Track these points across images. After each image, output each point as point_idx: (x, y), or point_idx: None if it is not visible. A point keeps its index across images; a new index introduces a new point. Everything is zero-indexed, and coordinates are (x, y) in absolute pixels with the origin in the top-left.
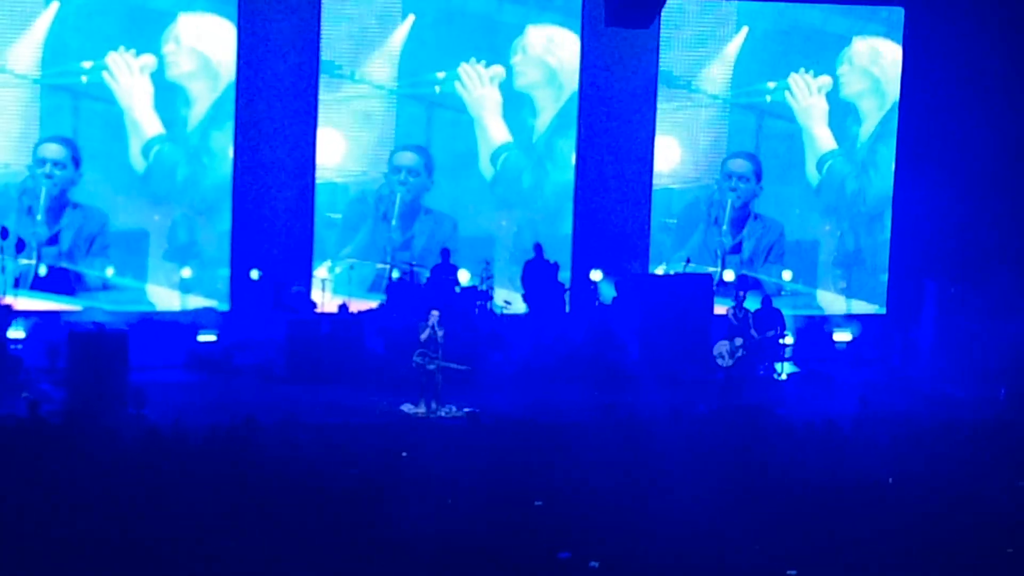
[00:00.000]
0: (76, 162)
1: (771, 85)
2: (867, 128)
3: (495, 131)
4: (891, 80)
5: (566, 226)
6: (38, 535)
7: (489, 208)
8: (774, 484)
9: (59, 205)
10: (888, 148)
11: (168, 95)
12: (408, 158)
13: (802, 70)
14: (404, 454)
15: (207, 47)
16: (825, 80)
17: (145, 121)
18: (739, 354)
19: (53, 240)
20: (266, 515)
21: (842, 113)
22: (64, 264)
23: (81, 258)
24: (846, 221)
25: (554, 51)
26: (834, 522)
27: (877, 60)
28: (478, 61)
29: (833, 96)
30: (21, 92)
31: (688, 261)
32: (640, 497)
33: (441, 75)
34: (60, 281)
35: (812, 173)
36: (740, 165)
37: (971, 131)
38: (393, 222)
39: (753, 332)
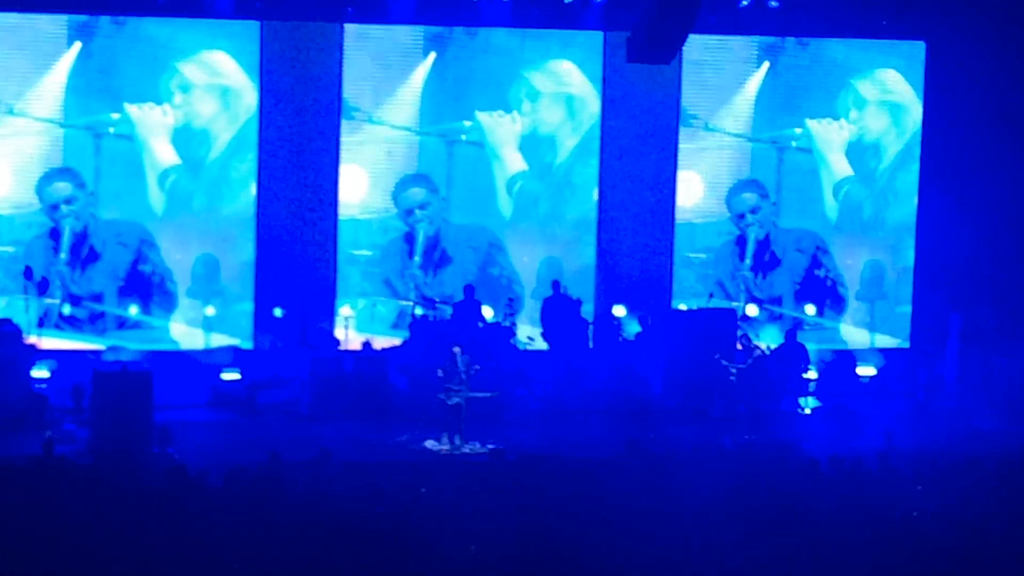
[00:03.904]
0: (82, 187)
1: (797, 131)
2: (886, 159)
3: (512, 163)
4: (910, 112)
5: (588, 259)
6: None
7: (510, 244)
8: (799, 519)
9: (83, 236)
10: (907, 174)
11: (188, 134)
12: (414, 195)
13: (827, 120)
14: (423, 490)
15: (225, 80)
16: (847, 126)
17: (163, 156)
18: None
19: (80, 278)
20: (291, 554)
21: (861, 149)
22: (89, 303)
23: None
24: (868, 254)
25: (569, 81)
26: (860, 558)
27: (896, 93)
28: (499, 103)
29: (854, 134)
30: (42, 135)
31: (711, 296)
32: (665, 533)
33: (467, 123)
34: (85, 320)
35: (830, 201)
36: (747, 200)
37: (993, 163)
38: (416, 259)
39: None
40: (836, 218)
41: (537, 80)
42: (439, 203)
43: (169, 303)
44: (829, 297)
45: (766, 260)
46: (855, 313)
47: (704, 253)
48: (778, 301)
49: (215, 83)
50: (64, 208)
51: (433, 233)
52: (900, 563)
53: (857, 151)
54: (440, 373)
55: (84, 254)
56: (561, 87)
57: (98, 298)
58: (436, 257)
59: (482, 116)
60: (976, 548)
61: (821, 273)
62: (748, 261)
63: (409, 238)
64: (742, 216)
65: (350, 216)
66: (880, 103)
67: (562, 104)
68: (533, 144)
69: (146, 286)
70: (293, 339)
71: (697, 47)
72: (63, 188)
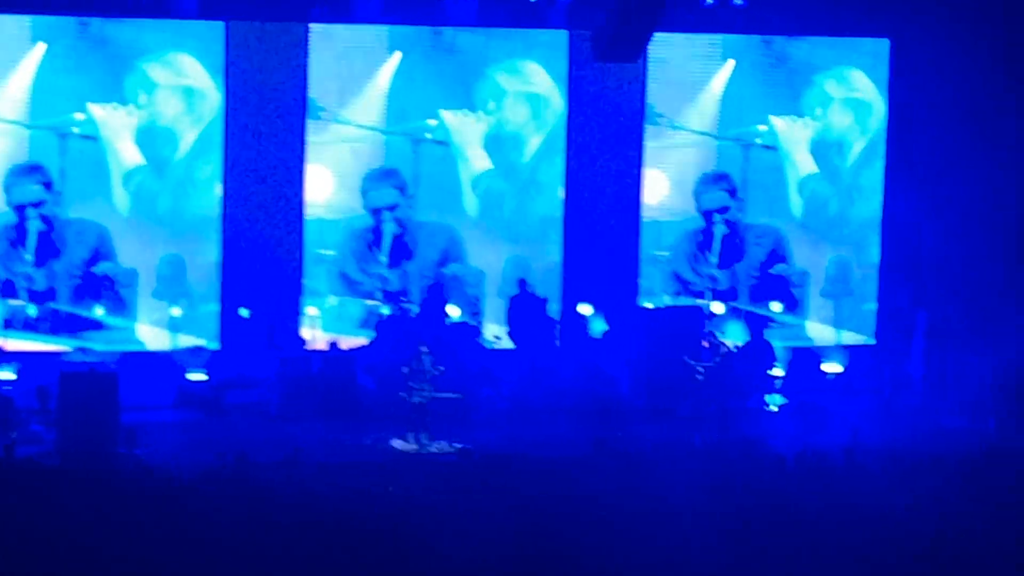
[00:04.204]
0: (47, 186)
1: (762, 128)
2: (851, 157)
3: (477, 161)
4: (874, 109)
5: (554, 258)
6: None
7: (476, 243)
8: (767, 516)
9: (47, 236)
10: (872, 172)
11: (153, 134)
12: (384, 196)
13: (791, 118)
14: (391, 489)
15: (189, 81)
16: (811, 123)
17: (128, 156)
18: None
19: (44, 278)
20: (259, 555)
21: (826, 146)
22: (54, 304)
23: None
24: (833, 251)
25: (534, 80)
26: (826, 554)
27: (860, 91)
28: (464, 102)
29: (819, 131)
30: (6, 136)
31: (678, 293)
32: (633, 532)
33: (432, 122)
34: (50, 321)
35: (795, 199)
36: (715, 199)
37: (959, 159)
38: (382, 258)
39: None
40: (801, 215)
41: (502, 79)
42: (407, 202)
43: (132, 305)
44: (786, 296)
45: (732, 257)
46: (820, 310)
47: (669, 252)
48: (742, 297)
49: (180, 83)
50: (29, 211)
51: (399, 232)
52: (866, 559)
53: (822, 148)
54: (405, 370)
55: (48, 255)
56: (526, 86)
57: (63, 299)
58: (401, 254)
59: (447, 115)
60: (941, 545)
61: (778, 270)
62: (714, 259)
63: (375, 237)
64: (709, 214)
65: (316, 216)
66: (845, 100)
67: (527, 103)
68: (498, 143)
69: (109, 287)
70: (260, 339)
71: (662, 45)
72: (32, 189)
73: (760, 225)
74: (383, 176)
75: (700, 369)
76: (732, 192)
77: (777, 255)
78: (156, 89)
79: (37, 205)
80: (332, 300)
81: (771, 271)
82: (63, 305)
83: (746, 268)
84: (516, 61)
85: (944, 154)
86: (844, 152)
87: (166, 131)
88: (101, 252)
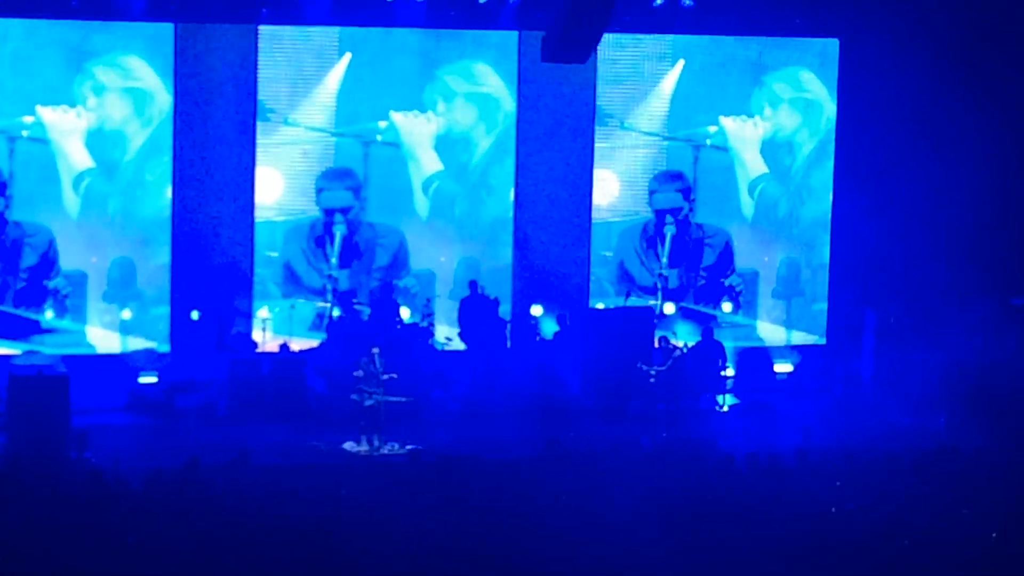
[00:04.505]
0: (2, 187)
1: (712, 129)
2: (801, 157)
3: (428, 163)
4: (824, 110)
5: (505, 259)
6: None
7: (427, 244)
8: (717, 517)
9: None
10: (822, 172)
11: (102, 137)
12: (338, 198)
13: (741, 118)
14: (343, 491)
15: (138, 83)
16: (760, 123)
17: (77, 159)
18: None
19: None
20: (210, 558)
21: (776, 146)
22: (2, 307)
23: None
24: (783, 251)
25: (484, 81)
26: (778, 554)
27: (810, 91)
28: (414, 103)
29: (768, 131)
30: None
31: (629, 294)
32: (584, 532)
33: (383, 124)
34: None
35: (745, 199)
36: (669, 199)
37: (908, 159)
38: (333, 260)
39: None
40: (752, 216)
41: (452, 80)
42: (359, 205)
43: (81, 307)
44: (734, 299)
45: (682, 257)
46: (771, 311)
47: (611, 252)
48: (692, 297)
49: (129, 86)
50: None
51: (348, 234)
52: (818, 559)
53: (771, 149)
54: (359, 373)
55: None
56: (476, 87)
57: (11, 301)
58: (351, 256)
59: (397, 116)
60: (894, 543)
61: (730, 282)
62: (664, 260)
63: (326, 238)
64: (662, 214)
65: (266, 218)
66: (793, 101)
67: (477, 104)
68: (448, 144)
69: (56, 291)
70: (210, 342)
71: (612, 46)
72: None
73: (710, 225)
74: (338, 176)
75: (652, 372)
76: (686, 192)
77: (726, 258)
78: (105, 91)
79: None
80: (285, 304)
81: (723, 280)
82: (12, 308)
83: (696, 269)
84: (466, 62)
85: (893, 154)
86: (794, 152)
87: (115, 133)
88: (52, 257)
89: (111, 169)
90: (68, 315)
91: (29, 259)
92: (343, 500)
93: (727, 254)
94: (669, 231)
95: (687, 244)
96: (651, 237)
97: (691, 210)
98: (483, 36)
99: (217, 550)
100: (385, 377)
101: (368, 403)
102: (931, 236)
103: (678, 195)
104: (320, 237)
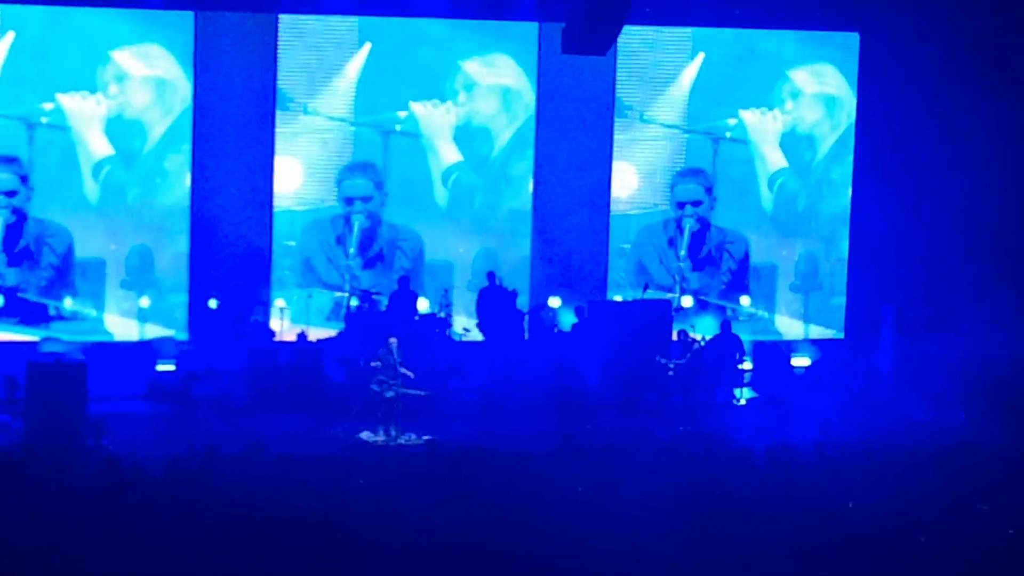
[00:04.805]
0: (24, 180)
1: (731, 122)
2: (821, 151)
3: (447, 153)
4: (844, 104)
5: (523, 251)
6: None
7: (446, 235)
8: (735, 511)
9: (16, 229)
10: (842, 167)
11: (122, 125)
12: (359, 187)
13: (761, 110)
14: (360, 482)
15: (159, 72)
16: (780, 116)
17: (96, 146)
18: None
19: (9, 262)
20: (226, 546)
21: (796, 140)
22: (21, 294)
23: (42, 274)
24: (802, 245)
25: (504, 72)
26: (796, 548)
27: (831, 86)
28: (434, 94)
29: (788, 125)
30: None
31: (647, 287)
32: (600, 525)
33: (402, 114)
34: (17, 311)
35: (765, 193)
36: (690, 191)
37: (927, 154)
38: (352, 250)
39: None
40: (771, 209)
41: (473, 70)
42: (380, 198)
43: (100, 295)
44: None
45: (701, 255)
46: (790, 304)
47: (629, 245)
48: (711, 293)
49: (150, 75)
50: (3, 200)
51: (369, 226)
52: (836, 553)
53: (791, 143)
54: (376, 364)
55: (18, 249)
56: (497, 78)
57: (30, 289)
58: (371, 254)
59: (416, 106)
60: (913, 537)
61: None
62: (683, 252)
63: (345, 228)
64: (682, 206)
65: (285, 207)
66: (815, 95)
67: (497, 95)
68: (468, 135)
69: (80, 278)
70: (228, 330)
71: (632, 38)
72: (5, 179)
73: (731, 230)
74: (360, 168)
75: (671, 366)
76: (708, 189)
77: (745, 265)
78: (127, 79)
79: (10, 196)
80: (298, 294)
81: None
82: (32, 296)
83: (715, 271)
84: (487, 53)
85: (912, 148)
86: (814, 146)
87: (135, 122)
88: (69, 258)
89: (131, 157)
90: (94, 297)
91: (49, 258)
92: (359, 490)
93: (744, 262)
94: (688, 223)
95: (706, 241)
96: (671, 233)
97: (712, 208)
98: (503, 27)
99: (233, 539)
100: (403, 371)
101: (388, 395)
102: (950, 230)
103: (699, 187)
104: (339, 228)
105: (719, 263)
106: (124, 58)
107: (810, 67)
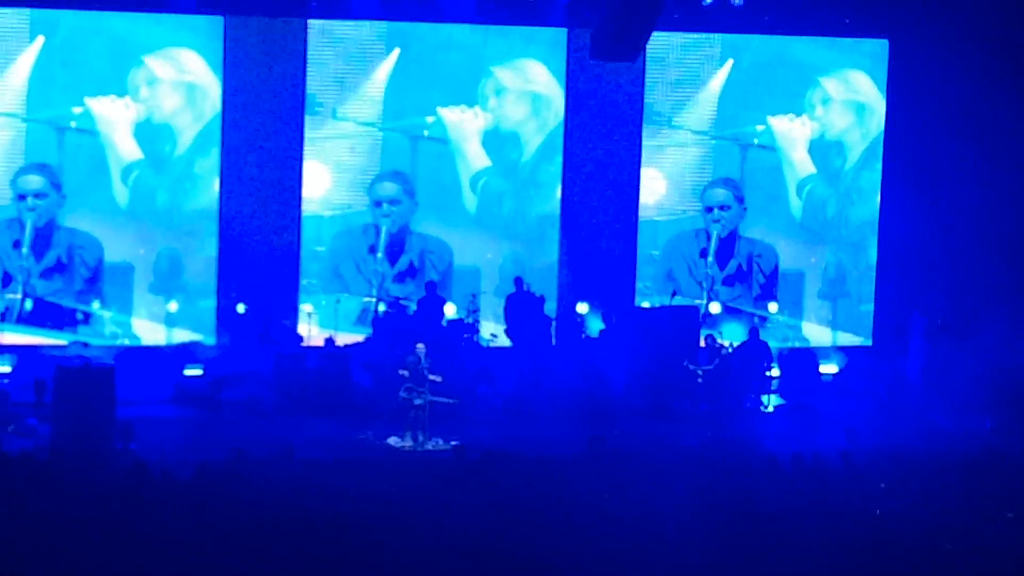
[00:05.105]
0: (57, 187)
1: (759, 128)
2: (851, 158)
3: (476, 158)
4: (874, 111)
5: (551, 257)
6: (21, 573)
7: (474, 240)
8: (762, 518)
9: (46, 236)
10: (872, 173)
11: (151, 129)
12: (388, 189)
13: (789, 117)
14: (387, 486)
15: (189, 76)
16: (808, 123)
17: (126, 150)
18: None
19: (42, 273)
20: (253, 551)
21: (825, 147)
22: (52, 298)
23: (74, 285)
24: (831, 252)
25: (534, 78)
26: (823, 556)
27: (860, 93)
28: (463, 99)
29: (817, 131)
30: (4, 129)
31: (675, 294)
32: (627, 531)
33: (430, 119)
34: (46, 315)
35: (794, 199)
36: (720, 195)
37: (957, 161)
38: (379, 255)
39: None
40: (800, 216)
41: (502, 76)
42: (409, 204)
43: (128, 299)
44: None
45: (731, 271)
46: (818, 311)
47: (658, 251)
48: (739, 299)
49: (181, 79)
50: (32, 201)
51: (396, 231)
52: (863, 561)
53: (820, 149)
54: (404, 373)
55: (46, 254)
56: (526, 84)
57: (59, 294)
58: (402, 267)
59: (444, 112)
60: (939, 546)
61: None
62: (711, 259)
63: (373, 234)
64: (711, 210)
65: (313, 212)
66: (844, 102)
67: (527, 101)
68: (497, 141)
69: (108, 282)
70: (256, 335)
71: (661, 44)
72: (36, 181)
73: (760, 241)
74: (391, 176)
75: (700, 372)
76: (739, 199)
77: (774, 278)
78: (157, 83)
79: (38, 197)
80: (326, 299)
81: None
82: (60, 299)
83: (745, 287)
84: (516, 59)
85: (942, 155)
86: (844, 153)
87: (165, 126)
88: (99, 270)
89: (160, 161)
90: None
91: (80, 270)
92: (386, 495)
93: (773, 275)
94: (716, 230)
95: (735, 255)
96: (699, 240)
97: (742, 216)
98: (532, 33)
99: (260, 542)
100: (431, 376)
101: (417, 402)
102: (979, 238)
103: (729, 193)
104: (367, 233)
105: (749, 278)
106: (154, 62)
107: (840, 74)
